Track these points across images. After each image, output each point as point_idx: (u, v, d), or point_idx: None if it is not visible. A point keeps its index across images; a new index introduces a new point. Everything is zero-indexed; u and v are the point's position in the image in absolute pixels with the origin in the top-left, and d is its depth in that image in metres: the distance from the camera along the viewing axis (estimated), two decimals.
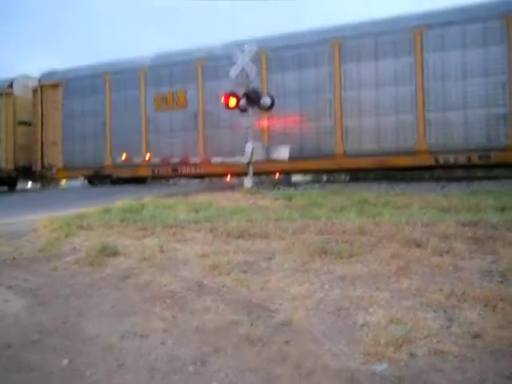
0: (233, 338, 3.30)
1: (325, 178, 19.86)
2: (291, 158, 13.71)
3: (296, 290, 4.09)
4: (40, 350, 3.32)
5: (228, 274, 4.64)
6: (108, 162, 17.79)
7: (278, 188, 12.82)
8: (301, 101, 14.81)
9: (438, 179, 14.20)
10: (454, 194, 9.60)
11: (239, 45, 15.26)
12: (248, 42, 15.25)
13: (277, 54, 15.11)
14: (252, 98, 12.99)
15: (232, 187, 13.09)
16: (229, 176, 16.69)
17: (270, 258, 5.08)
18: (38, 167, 19.17)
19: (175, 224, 6.95)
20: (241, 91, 13.03)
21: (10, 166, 19.62)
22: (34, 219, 8.22)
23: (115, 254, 5.65)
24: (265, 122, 14.77)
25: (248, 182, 12.89)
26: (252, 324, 3.48)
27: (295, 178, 18.25)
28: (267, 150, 13.38)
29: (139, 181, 18.28)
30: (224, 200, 9.96)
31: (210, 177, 18.66)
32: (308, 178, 19.52)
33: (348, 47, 14.24)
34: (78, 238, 6.65)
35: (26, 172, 20.03)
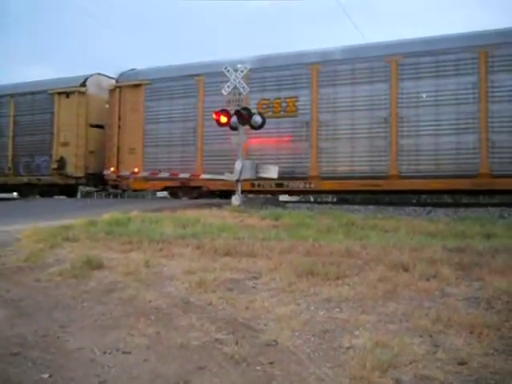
0: (217, 357, 3.26)
1: (312, 198, 19.91)
2: (423, 177, 13.09)
3: (281, 310, 4.06)
4: (20, 363, 3.24)
5: (214, 291, 4.60)
6: (198, 172, 15.78)
7: (266, 207, 12.82)
8: (437, 113, 13.29)
9: (424, 204, 14.29)
10: (441, 220, 9.67)
11: (364, 49, 14.36)
12: (378, 47, 14.28)
13: (410, 59, 13.56)
14: (243, 116, 13.07)
15: (219, 205, 13.06)
16: None
17: (257, 277, 5.05)
18: (112, 175, 17.35)
19: (162, 239, 6.90)
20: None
21: (80, 173, 17.84)
22: (18, 229, 8.12)
23: (100, 267, 5.60)
24: (391, 133, 13.69)
25: (236, 199, 12.89)
26: (237, 343, 3.44)
27: (282, 197, 18.27)
28: (256, 169, 13.40)
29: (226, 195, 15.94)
30: (211, 217, 9.93)
31: (322, 194, 17.05)
32: (295, 198, 19.55)
33: (498, 56, 12.75)
34: (62, 250, 6.58)
35: (96, 180, 18.42)
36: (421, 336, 3.43)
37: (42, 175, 18.69)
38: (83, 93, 18.13)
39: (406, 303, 4.09)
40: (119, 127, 17.30)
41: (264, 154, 14.83)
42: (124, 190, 18.37)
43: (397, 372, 2.90)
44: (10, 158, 19.56)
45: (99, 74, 18.83)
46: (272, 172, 13.37)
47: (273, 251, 5.98)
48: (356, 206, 13.58)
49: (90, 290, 4.87)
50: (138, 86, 17.15)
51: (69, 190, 19.57)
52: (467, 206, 13.21)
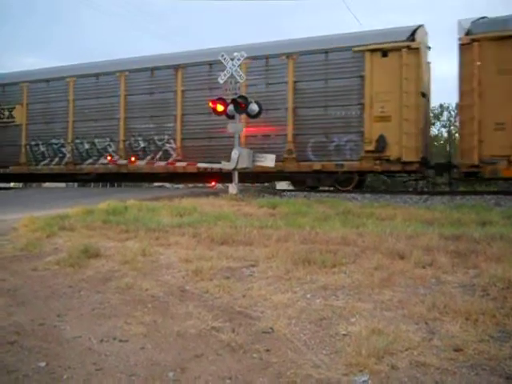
0: (214, 345, 3.27)
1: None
2: None
3: (278, 298, 4.08)
4: (17, 351, 3.25)
5: (211, 279, 4.61)
6: None
7: (263, 196, 12.82)
8: None
9: (421, 192, 14.29)
10: (437, 208, 9.69)
11: None
12: None
13: None
14: (239, 105, 13.02)
15: (216, 193, 13.06)
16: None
17: (253, 266, 5.06)
18: (470, 160, 12.85)
19: (158, 228, 6.90)
20: None
21: (411, 157, 13.33)
22: (15, 218, 8.10)
23: (97, 255, 5.59)
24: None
25: (233, 188, 12.88)
26: (233, 331, 3.46)
27: (280, 185, 18.24)
28: (253, 157, 13.38)
29: None
30: (208, 206, 9.93)
31: None
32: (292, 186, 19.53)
33: None
34: (59, 239, 6.58)
35: (425, 167, 14.19)
36: (417, 323, 3.45)
37: (346, 160, 14.15)
38: (414, 49, 13.56)
39: (402, 291, 4.11)
40: (479, 95, 12.82)
41: None
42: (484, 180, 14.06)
43: (393, 359, 2.92)
44: (289, 138, 14.93)
45: (423, 25, 14.27)
46: (268, 160, 13.34)
47: (270, 239, 5.99)
48: (353, 194, 13.58)
49: (86, 279, 4.88)
50: (508, 38, 12.58)
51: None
52: (463, 193, 13.21)
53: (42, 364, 3.06)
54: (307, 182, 15.09)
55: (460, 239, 5.75)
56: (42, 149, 18.83)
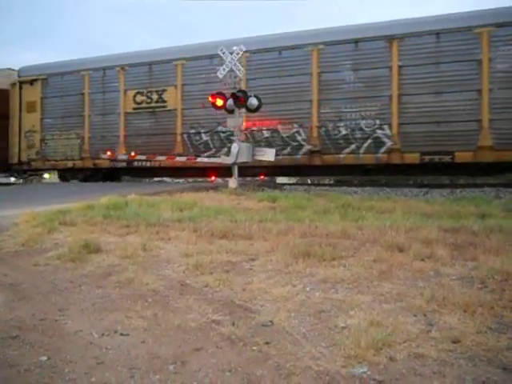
0: (214, 338, 3.29)
1: (309, 180, 19.92)
2: None
3: (278, 291, 4.10)
4: (18, 345, 3.27)
5: (211, 273, 4.63)
6: None
7: (263, 190, 12.84)
8: None
9: (421, 185, 14.29)
10: (437, 201, 9.71)
11: None
12: None
13: None
14: (239, 99, 13.01)
15: (216, 187, 13.08)
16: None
17: (253, 259, 5.08)
18: None
19: (159, 222, 6.93)
20: None
21: None
22: (16, 213, 8.12)
23: (97, 250, 5.62)
24: None
25: (233, 182, 12.90)
26: (233, 324, 3.48)
27: (280, 179, 18.25)
28: (253, 152, 13.38)
29: None
30: (208, 200, 9.95)
31: None
32: (293, 180, 19.56)
33: None
34: (60, 234, 6.60)
35: None
36: (415, 315, 3.47)
37: None
38: None
39: (400, 283, 4.13)
40: None
41: None
42: None
43: (391, 350, 2.94)
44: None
45: None
46: (269, 155, 13.35)
47: (269, 233, 6.01)
48: (353, 188, 13.61)
49: (87, 274, 4.90)
50: None
51: None
52: (463, 186, 13.21)
53: (44, 358, 3.08)
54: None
55: (459, 232, 5.78)
56: (205, 138, 16.15)
